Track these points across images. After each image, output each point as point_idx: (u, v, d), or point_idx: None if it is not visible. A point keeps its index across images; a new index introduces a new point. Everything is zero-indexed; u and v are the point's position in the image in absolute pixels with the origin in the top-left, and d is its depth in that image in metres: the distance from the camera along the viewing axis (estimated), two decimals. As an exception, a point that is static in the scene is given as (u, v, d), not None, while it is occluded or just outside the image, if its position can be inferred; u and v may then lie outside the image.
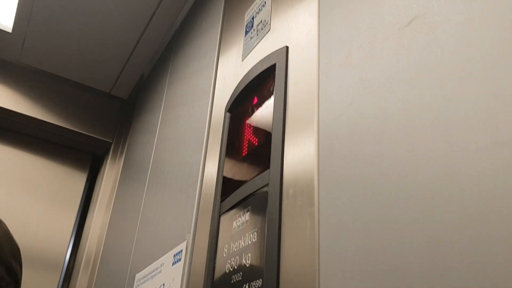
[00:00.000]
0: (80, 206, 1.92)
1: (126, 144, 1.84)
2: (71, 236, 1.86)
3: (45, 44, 1.73)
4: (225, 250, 0.74)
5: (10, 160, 1.87)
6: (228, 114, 0.91)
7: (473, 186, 0.37)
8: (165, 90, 1.49)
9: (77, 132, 1.88)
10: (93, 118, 1.93)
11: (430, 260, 0.38)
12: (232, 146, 0.85)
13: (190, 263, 0.86)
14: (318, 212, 0.54)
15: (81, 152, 2.00)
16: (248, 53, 0.92)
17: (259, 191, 0.70)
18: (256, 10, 0.96)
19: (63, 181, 1.92)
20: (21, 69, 1.86)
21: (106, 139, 1.93)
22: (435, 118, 0.43)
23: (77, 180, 1.96)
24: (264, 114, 0.77)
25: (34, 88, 1.85)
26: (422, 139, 0.43)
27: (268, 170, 0.69)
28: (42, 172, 1.91)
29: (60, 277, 1.78)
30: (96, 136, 1.91)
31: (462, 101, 0.41)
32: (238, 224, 0.73)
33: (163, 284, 0.94)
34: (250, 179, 0.73)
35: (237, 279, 0.67)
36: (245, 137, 0.81)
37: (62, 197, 1.89)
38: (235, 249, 0.71)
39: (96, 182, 1.97)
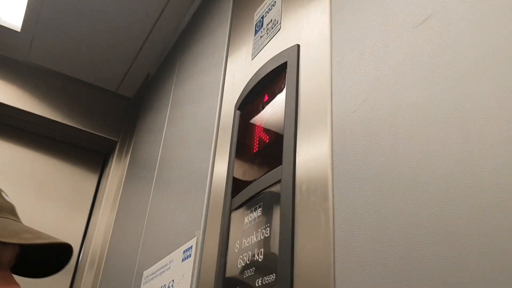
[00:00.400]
0: (91, 206, 1.93)
1: (132, 143, 1.85)
2: (83, 237, 1.87)
3: (53, 43, 1.74)
4: (237, 245, 0.75)
5: (17, 158, 1.88)
6: (238, 111, 0.92)
7: (489, 180, 0.38)
8: (172, 89, 1.50)
9: (84, 130, 1.89)
10: (99, 117, 1.94)
11: (445, 253, 0.39)
12: (243, 143, 0.86)
13: (201, 259, 0.87)
14: (333, 208, 0.55)
15: (93, 152, 2.01)
16: (258, 52, 0.93)
17: (271, 187, 0.71)
18: (266, 10, 0.97)
19: (74, 181, 1.94)
20: (29, 68, 1.87)
21: (112, 138, 1.94)
22: (450, 114, 0.44)
23: (88, 180, 1.97)
24: (275, 111, 0.78)
25: (41, 87, 1.87)
26: (437, 135, 0.44)
27: (280, 167, 0.70)
28: (51, 171, 1.92)
29: (73, 278, 1.79)
30: (102, 135, 1.92)
31: (477, 97, 0.42)
32: (250, 219, 0.74)
33: (173, 280, 0.94)
34: (262, 176, 0.74)
35: (250, 274, 0.68)
36: (256, 134, 0.82)
37: (73, 197, 1.90)
38: (247, 244, 0.72)
39: (102, 180, 1.98)
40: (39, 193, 1.85)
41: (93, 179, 1.99)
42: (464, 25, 0.46)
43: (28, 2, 1.55)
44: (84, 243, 1.84)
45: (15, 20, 1.66)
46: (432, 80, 0.47)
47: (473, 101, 0.42)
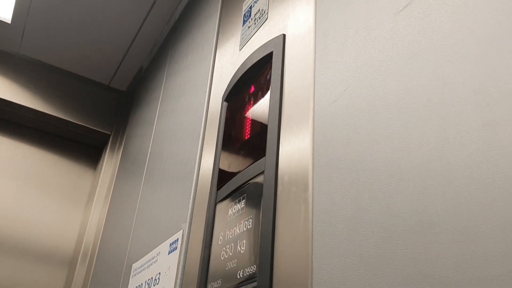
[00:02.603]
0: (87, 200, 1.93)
1: (125, 136, 1.84)
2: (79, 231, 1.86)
3: (45, 35, 1.73)
4: (221, 237, 0.74)
5: (7, 151, 1.87)
6: (225, 103, 0.91)
7: (465, 167, 0.37)
8: (164, 82, 1.49)
9: (76, 123, 1.88)
10: (91, 110, 1.93)
11: (421, 242, 0.38)
12: (229, 135, 0.85)
13: (186, 251, 0.86)
14: (312, 198, 0.54)
15: (87, 146, 2.00)
16: (246, 43, 0.91)
17: (254, 178, 0.70)
18: (254, 0, 0.95)
19: (69, 175, 1.93)
20: (20, 60, 1.86)
21: (105, 131, 1.93)
22: (428, 101, 0.43)
23: (83, 174, 1.96)
24: (260, 102, 0.77)
25: (33, 79, 1.85)
26: (415, 123, 0.43)
27: (263, 158, 0.69)
28: (44, 164, 1.91)
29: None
30: (94, 128, 1.91)
31: (455, 83, 0.41)
32: (234, 211, 0.73)
33: (159, 273, 0.94)
34: (246, 167, 0.73)
35: (232, 266, 0.67)
36: (242, 125, 0.81)
37: (68, 191, 1.90)
38: (230, 236, 0.71)
39: (95, 174, 1.97)
40: (31, 187, 1.84)
41: (88, 173, 1.98)
42: (444, 10, 0.45)
43: (18, -6, 1.54)
44: (78, 236, 1.83)
45: (5, 12, 1.64)
46: (411, 67, 0.46)
47: (451, 88, 0.41)
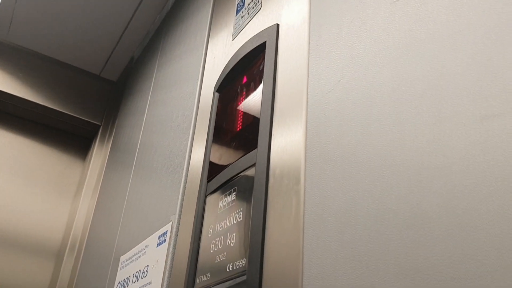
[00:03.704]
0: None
1: (115, 127, 1.82)
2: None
3: (34, 22, 1.69)
4: (210, 230, 0.73)
5: (-4, 141, 1.84)
6: (216, 94, 0.89)
7: (461, 160, 0.36)
8: (155, 72, 1.47)
9: (66, 113, 1.85)
10: (82, 100, 1.90)
11: (413, 236, 0.38)
12: (220, 127, 0.84)
13: (175, 244, 0.85)
14: (304, 191, 0.53)
15: (76, 136, 1.98)
16: (239, 32, 0.90)
17: (246, 171, 0.69)
18: (248, -11, 0.94)
19: (58, 166, 1.90)
20: (9, 48, 1.82)
21: (95, 122, 1.91)
22: (424, 92, 0.42)
23: (72, 165, 1.93)
24: (253, 93, 0.76)
25: (22, 68, 1.82)
26: (410, 115, 0.42)
27: (255, 150, 0.68)
28: (34, 154, 1.88)
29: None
30: (84, 119, 1.89)
31: (451, 75, 0.40)
32: (224, 204, 0.72)
33: (147, 266, 0.92)
34: (237, 160, 0.72)
35: (221, 259, 0.66)
36: (234, 117, 0.80)
37: (57, 182, 1.87)
38: (220, 229, 0.70)
39: (84, 164, 1.95)
40: (18, 177, 1.81)
41: (77, 164, 1.96)
42: (441, 0, 0.44)
43: (6, -21, 1.50)
44: (66, 227, 1.81)
45: (-7, -3, 1.60)
46: (407, 58, 0.45)
47: (447, 79, 0.40)
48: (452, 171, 0.36)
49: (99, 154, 1.85)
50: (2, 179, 1.78)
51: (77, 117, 1.88)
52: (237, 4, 0.96)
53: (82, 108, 1.89)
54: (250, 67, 0.79)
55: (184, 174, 0.92)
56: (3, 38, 1.79)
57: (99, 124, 1.91)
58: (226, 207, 0.71)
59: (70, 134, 1.98)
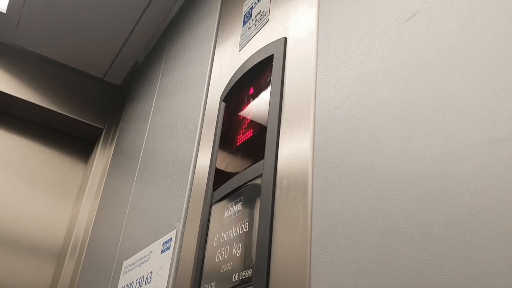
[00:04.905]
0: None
1: (118, 131, 1.83)
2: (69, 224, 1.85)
3: (40, 26, 1.70)
4: (216, 239, 0.74)
5: (1, 143, 1.84)
6: (223, 103, 0.90)
7: (470, 182, 0.37)
8: (159, 78, 1.48)
9: (69, 116, 1.86)
10: (85, 104, 1.91)
11: (421, 256, 0.39)
12: (226, 136, 0.85)
13: (179, 251, 0.85)
14: (312, 204, 0.54)
15: (80, 139, 1.99)
16: (246, 44, 0.91)
17: (252, 181, 0.70)
18: (255, 1, 0.95)
19: (61, 168, 1.91)
20: (15, 51, 1.83)
21: (98, 125, 1.92)
22: (433, 113, 0.43)
23: (75, 168, 1.94)
24: (260, 104, 0.77)
25: (27, 71, 1.83)
26: (419, 134, 0.43)
27: (262, 161, 0.69)
28: (37, 157, 1.89)
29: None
30: (87, 122, 1.90)
31: (460, 97, 0.41)
32: (230, 213, 0.73)
33: (151, 272, 0.93)
34: (244, 169, 0.73)
35: (227, 269, 0.67)
36: (240, 127, 0.81)
37: (59, 184, 1.88)
38: (225, 239, 0.71)
39: (86, 168, 1.96)
40: (21, 179, 1.82)
41: (79, 167, 1.97)
42: (450, 23, 0.45)
43: (14, -17, 1.52)
44: (67, 230, 1.81)
45: (0, 1, 1.62)
46: (416, 79, 0.46)
47: (456, 101, 0.41)
48: (460, 192, 0.37)
49: (101, 157, 1.86)
50: (4, 181, 1.79)
51: (80, 120, 1.89)
52: (244, 15, 0.97)
53: (85, 111, 1.90)
54: (258, 78, 0.80)
55: (189, 182, 0.93)
56: (9, 41, 1.80)
57: (102, 127, 1.92)
58: (232, 217, 0.72)
59: (73, 137, 1.99)
